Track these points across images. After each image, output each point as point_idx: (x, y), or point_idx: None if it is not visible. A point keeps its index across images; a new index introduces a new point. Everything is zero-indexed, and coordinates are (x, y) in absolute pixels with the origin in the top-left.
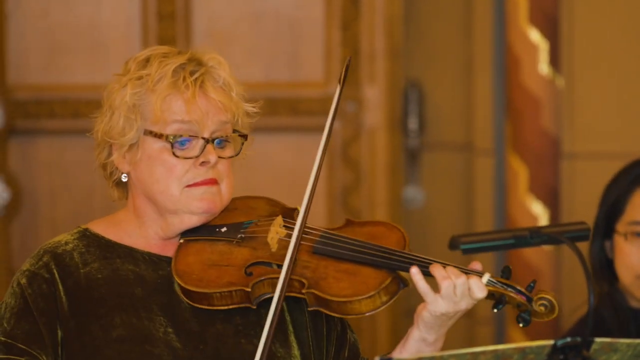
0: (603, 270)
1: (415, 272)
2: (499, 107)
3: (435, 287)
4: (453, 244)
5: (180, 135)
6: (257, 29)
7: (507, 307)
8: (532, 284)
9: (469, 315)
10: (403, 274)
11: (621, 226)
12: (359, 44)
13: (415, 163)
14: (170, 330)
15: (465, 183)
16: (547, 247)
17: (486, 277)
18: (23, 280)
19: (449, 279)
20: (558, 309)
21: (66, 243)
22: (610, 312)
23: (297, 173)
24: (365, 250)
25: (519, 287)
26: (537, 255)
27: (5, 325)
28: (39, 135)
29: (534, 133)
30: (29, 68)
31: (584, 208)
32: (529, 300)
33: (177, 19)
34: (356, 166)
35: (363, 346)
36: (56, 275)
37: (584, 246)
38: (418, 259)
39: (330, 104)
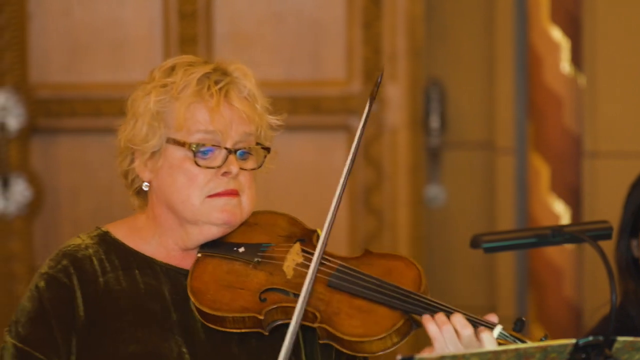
0: (629, 268)
1: (427, 318)
2: (520, 105)
3: None
4: (475, 243)
5: (203, 145)
6: (278, 29)
7: None
8: (543, 338)
9: None
10: (416, 316)
11: None
12: (381, 43)
13: (436, 162)
14: (184, 350)
15: (487, 182)
16: (569, 246)
17: (497, 330)
18: (41, 284)
19: (448, 324)
20: None
21: (86, 247)
22: (637, 311)
23: (319, 171)
24: (381, 290)
25: (529, 343)
26: (559, 255)
27: (21, 329)
28: (61, 134)
29: (556, 132)
30: (51, 67)
31: (606, 207)
32: None
33: (198, 18)
34: (378, 165)
35: None
36: (75, 281)
37: (606, 245)
38: (433, 304)
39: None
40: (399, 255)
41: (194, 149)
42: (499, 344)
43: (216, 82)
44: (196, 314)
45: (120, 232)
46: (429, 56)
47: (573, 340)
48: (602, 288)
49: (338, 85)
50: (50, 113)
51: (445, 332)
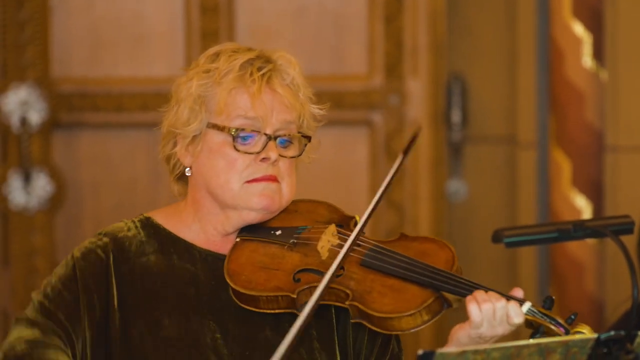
0: None
1: (470, 299)
2: (542, 100)
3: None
4: (496, 238)
5: (243, 129)
6: (300, 23)
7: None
8: (572, 317)
9: None
10: (447, 294)
11: None
12: (402, 38)
13: (458, 156)
14: (218, 335)
15: (509, 176)
16: (590, 241)
17: (527, 305)
18: (77, 254)
19: (490, 301)
20: None
21: (129, 229)
22: None
23: (340, 166)
24: (412, 268)
25: (558, 319)
26: (580, 249)
27: (49, 290)
28: (83, 129)
29: (578, 126)
30: (73, 61)
31: (627, 201)
32: (567, 333)
33: (220, 12)
34: None
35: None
36: (111, 259)
37: (628, 239)
38: (462, 282)
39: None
40: (433, 237)
41: (233, 133)
42: (527, 319)
43: (259, 69)
44: (232, 296)
45: (162, 217)
46: (450, 50)
47: (595, 335)
48: (624, 283)
49: (359, 80)
50: (72, 108)
51: (486, 309)
